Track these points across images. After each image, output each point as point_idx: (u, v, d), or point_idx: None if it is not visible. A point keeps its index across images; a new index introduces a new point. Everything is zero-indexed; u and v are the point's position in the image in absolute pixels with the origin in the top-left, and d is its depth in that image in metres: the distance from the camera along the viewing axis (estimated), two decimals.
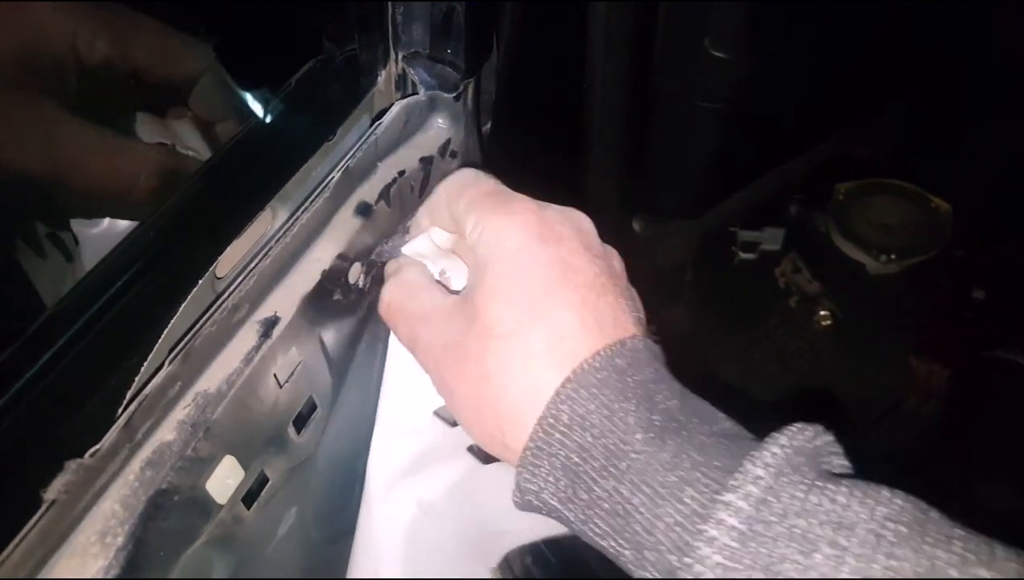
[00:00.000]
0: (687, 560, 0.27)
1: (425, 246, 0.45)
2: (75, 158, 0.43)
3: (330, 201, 0.44)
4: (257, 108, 0.50)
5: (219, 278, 0.39)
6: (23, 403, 0.33)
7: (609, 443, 0.30)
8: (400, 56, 0.48)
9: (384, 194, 0.47)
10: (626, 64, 0.69)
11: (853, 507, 0.26)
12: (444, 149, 0.51)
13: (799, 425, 0.29)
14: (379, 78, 0.49)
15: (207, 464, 0.38)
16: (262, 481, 0.42)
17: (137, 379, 0.36)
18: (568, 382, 0.32)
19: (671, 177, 1.01)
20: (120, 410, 0.35)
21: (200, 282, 0.39)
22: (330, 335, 0.45)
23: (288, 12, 0.50)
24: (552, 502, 0.31)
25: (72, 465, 0.32)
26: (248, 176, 0.42)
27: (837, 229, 1.16)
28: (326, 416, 0.45)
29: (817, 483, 0.27)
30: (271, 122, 0.46)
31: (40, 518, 0.31)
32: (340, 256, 0.44)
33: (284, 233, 0.42)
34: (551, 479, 0.31)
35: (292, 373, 0.42)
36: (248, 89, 0.49)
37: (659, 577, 0.28)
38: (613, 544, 0.29)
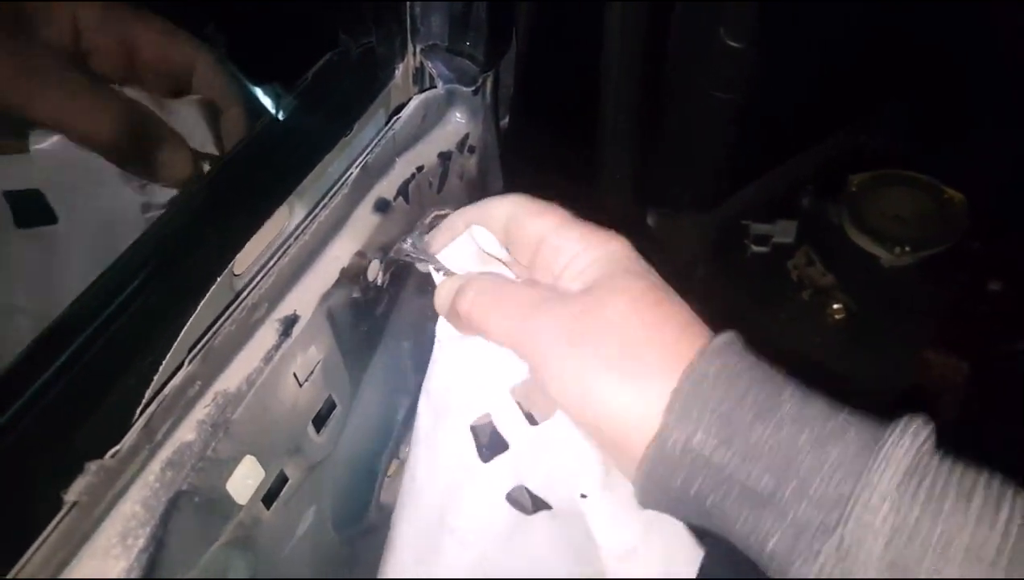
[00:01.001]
0: (858, 492, 0.29)
1: (466, 248, 0.43)
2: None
3: (348, 198, 0.43)
4: (272, 104, 0.49)
5: (237, 276, 0.39)
6: (41, 405, 0.33)
7: (761, 393, 0.32)
8: (418, 49, 0.47)
9: (402, 190, 0.46)
10: (641, 57, 0.68)
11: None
12: (462, 144, 0.51)
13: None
14: (396, 72, 0.49)
15: (227, 464, 0.37)
16: (282, 481, 0.41)
17: (156, 379, 0.35)
18: (712, 343, 0.34)
19: (684, 171, 1.00)
20: (139, 411, 0.34)
21: (218, 280, 0.39)
22: (349, 333, 0.44)
23: (303, 5, 0.49)
24: (702, 448, 0.31)
25: (93, 466, 0.32)
26: (264, 173, 0.42)
27: (850, 221, 1.14)
28: (345, 415, 0.45)
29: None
30: (286, 118, 0.45)
31: (61, 520, 0.31)
32: (359, 253, 0.43)
33: (302, 230, 0.41)
34: (703, 424, 0.31)
35: (311, 372, 0.41)
36: (263, 84, 0.48)
37: (814, 513, 0.29)
38: (770, 482, 0.30)
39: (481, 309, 0.38)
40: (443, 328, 0.43)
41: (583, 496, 0.40)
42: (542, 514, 0.43)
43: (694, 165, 0.99)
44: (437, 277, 0.43)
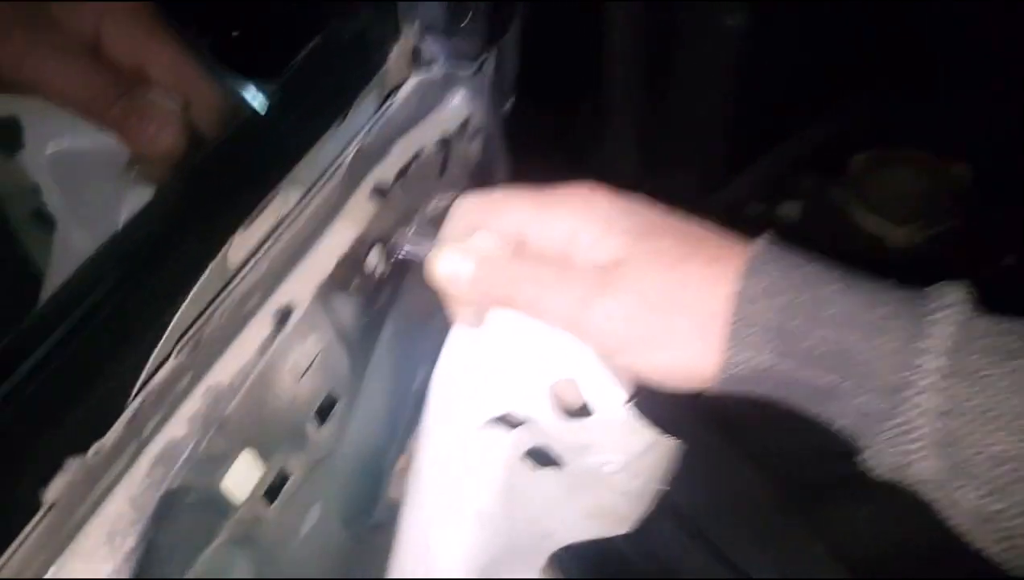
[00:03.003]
0: (908, 377, 0.30)
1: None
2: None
3: (343, 184, 0.40)
4: (261, 96, 0.47)
5: (229, 265, 0.36)
6: (19, 397, 0.30)
7: (808, 299, 0.32)
8: (413, 29, 0.44)
9: (400, 176, 0.43)
10: (644, 35, 0.65)
11: None
12: (463, 128, 0.48)
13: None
14: (390, 54, 0.46)
15: (222, 461, 0.34)
16: (283, 477, 0.39)
17: (144, 372, 0.33)
18: (753, 259, 0.33)
19: (687, 152, 0.96)
20: (126, 404, 0.32)
21: (209, 268, 0.36)
22: (349, 324, 0.41)
23: None
24: (766, 363, 0.33)
25: (73, 464, 0.29)
26: (256, 159, 0.40)
27: (855, 201, 1.10)
28: (348, 410, 0.42)
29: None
30: (274, 105, 0.43)
31: (40, 521, 0.29)
32: (356, 241, 0.40)
33: (296, 218, 0.38)
34: (763, 342, 0.32)
35: (310, 365, 0.38)
36: (251, 71, 0.45)
37: (874, 400, 0.31)
38: (831, 380, 0.32)
39: (531, 294, 0.36)
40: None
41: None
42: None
43: (696, 146, 0.95)
44: None
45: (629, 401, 0.39)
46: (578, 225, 0.36)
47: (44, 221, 0.51)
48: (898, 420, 0.30)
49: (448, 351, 0.41)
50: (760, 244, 0.34)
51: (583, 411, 0.40)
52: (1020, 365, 0.29)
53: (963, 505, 0.30)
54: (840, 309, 0.32)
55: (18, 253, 0.49)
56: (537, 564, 0.50)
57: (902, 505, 0.33)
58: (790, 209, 1.10)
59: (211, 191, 0.38)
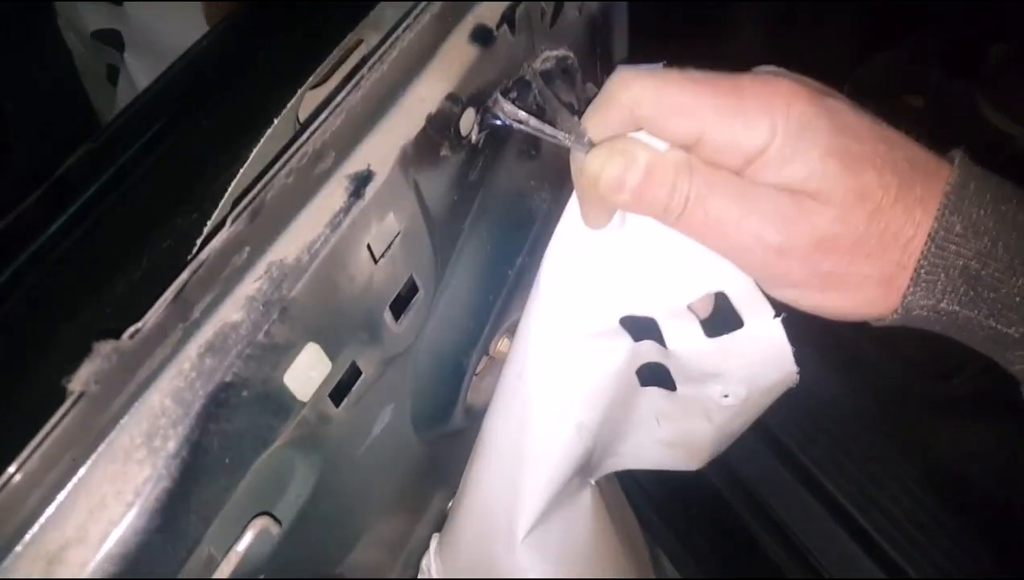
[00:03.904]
0: None
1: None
2: None
3: (437, 22, 0.32)
4: None
5: (299, 119, 0.29)
6: (45, 264, 0.24)
7: (1009, 242, 0.30)
8: None
9: (508, 17, 0.35)
10: None
11: None
12: None
13: None
14: None
15: (285, 352, 0.29)
16: (354, 374, 0.33)
17: (198, 243, 0.27)
18: (948, 195, 0.30)
19: (812, 44, 0.85)
20: (172, 280, 0.26)
21: (276, 121, 0.29)
22: (435, 200, 0.34)
23: None
24: (951, 308, 0.30)
25: (105, 348, 0.24)
26: None
27: (986, 97, 0.96)
28: (429, 302, 0.35)
29: None
30: None
31: (67, 413, 0.23)
32: (449, 97, 0.33)
33: (379, 63, 0.31)
34: (949, 289, 0.30)
35: (389, 245, 0.32)
36: None
37: None
38: (1018, 330, 0.30)
39: (683, 200, 0.30)
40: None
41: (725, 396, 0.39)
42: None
43: (821, 38, 0.83)
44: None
45: (778, 316, 0.35)
46: (772, 135, 0.29)
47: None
48: None
49: (565, 246, 0.35)
50: (958, 174, 0.30)
51: (725, 327, 0.35)
52: None
53: None
54: None
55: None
56: (593, 476, 0.48)
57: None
58: (913, 102, 0.99)
59: (279, 28, 0.30)
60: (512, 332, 0.44)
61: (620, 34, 0.44)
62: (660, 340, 0.37)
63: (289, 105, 0.31)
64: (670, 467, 0.47)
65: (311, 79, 0.32)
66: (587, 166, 0.31)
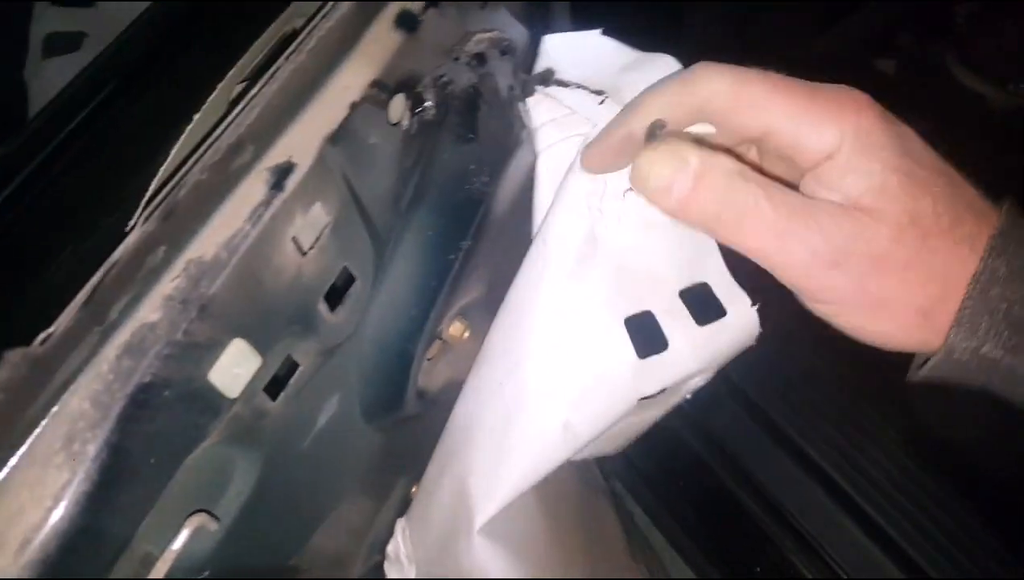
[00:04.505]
0: None
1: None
2: None
3: (359, 12, 0.31)
4: None
5: (215, 112, 0.29)
6: None
7: None
8: None
9: (433, 1, 0.34)
10: None
11: None
12: None
13: None
14: None
15: (208, 350, 0.28)
16: (290, 367, 0.33)
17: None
18: (995, 238, 0.29)
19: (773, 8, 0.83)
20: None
21: (197, 116, 0.29)
22: (368, 190, 0.34)
23: None
24: (994, 354, 0.29)
25: (14, 357, 0.23)
26: None
27: (956, 58, 0.95)
28: (368, 289, 0.35)
29: None
30: None
31: None
32: (375, 83, 0.32)
33: (299, 52, 0.30)
34: (992, 333, 0.29)
35: (318, 237, 0.31)
36: None
37: None
38: None
39: (734, 210, 0.29)
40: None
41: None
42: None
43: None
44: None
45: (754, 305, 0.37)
46: (839, 143, 0.29)
47: None
48: None
49: (565, 241, 0.36)
50: (1007, 218, 0.30)
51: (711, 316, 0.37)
52: None
53: None
54: None
55: None
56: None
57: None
58: (884, 67, 0.99)
59: (202, 20, 0.30)
60: (465, 315, 0.43)
61: (560, 8, 0.43)
62: (660, 335, 0.37)
63: (210, 99, 0.31)
64: (600, 454, 0.47)
65: (234, 71, 0.32)
66: (637, 165, 0.30)
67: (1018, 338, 0.29)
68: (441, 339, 0.43)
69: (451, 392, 0.42)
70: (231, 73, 0.31)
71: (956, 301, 0.29)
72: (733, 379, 0.81)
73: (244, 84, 0.30)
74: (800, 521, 0.76)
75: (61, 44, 0.68)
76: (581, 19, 0.45)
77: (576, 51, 0.38)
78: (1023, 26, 0.95)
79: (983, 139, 0.92)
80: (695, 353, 0.37)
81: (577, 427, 0.36)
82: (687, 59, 0.35)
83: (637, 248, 0.36)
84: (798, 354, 0.79)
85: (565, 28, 0.42)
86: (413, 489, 0.47)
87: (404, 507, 0.46)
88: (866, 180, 0.29)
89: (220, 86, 0.31)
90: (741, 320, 0.37)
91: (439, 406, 0.42)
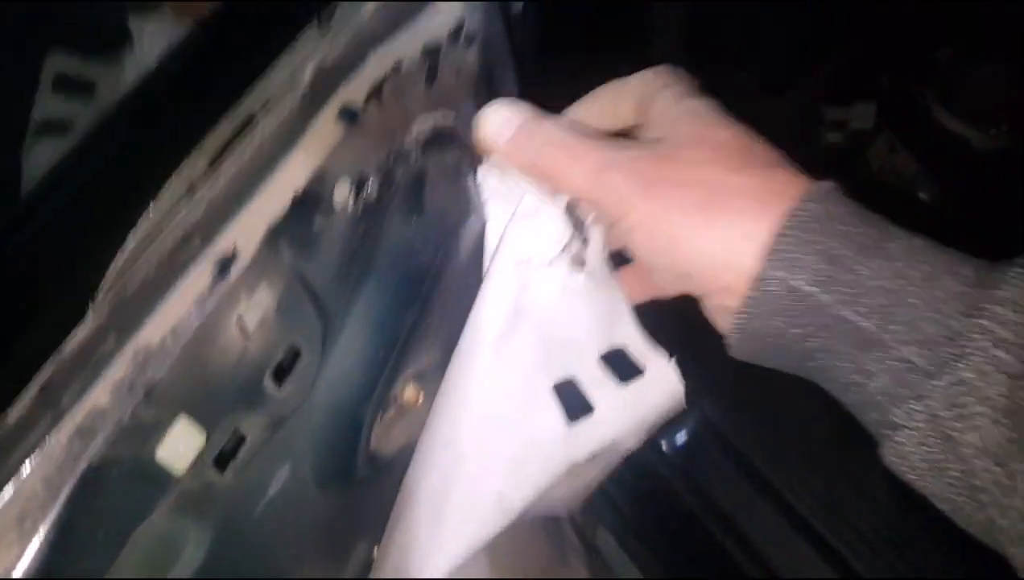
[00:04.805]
0: (976, 322, 0.26)
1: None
2: None
3: (302, 106, 0.34)
4: None
5: (161, 207, 0.31)
6: None
7: (868, 233, 0.30)
8: None
9: (375, 94, 0.36)
10: None
11: None
12: (457, 33, 0.41)
13: None
14: None
15: (154, 430, 0.30)
16: (238, 441, 0.34)
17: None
18: (814, 186, 0.31)
19: (743, 52, 0.86)
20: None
21: (152, 205, 0.31)
22: (315, 269, 0.36)
23: None
24: (805, 288, 0.29)
25: None
26: (199, 79, 0.33)
27: (938, 101, 0.97)
28: (316, 362, 0.37)
29: None
30: (230, 8, 0.36)
31: None
32: (318, 174, 0.34)
33: (244, 148, 0.33)
34: (807, 264, 0.29)
35: (262, 317, 0.33)
36: None
37: (924, 351, 0.27)
38: (876, 321, 0.28)
39: (551, 159, 0.35)
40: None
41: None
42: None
43: (755, 45, 0.84)
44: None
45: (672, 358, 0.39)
46: (651, 93, 0.36)
47: None
48: (958, 378, 0.26)
49: (492, 313, 0.39)
50: (830, 182, 0.32)
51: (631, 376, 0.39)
52: None
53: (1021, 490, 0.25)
54: (900, 247, 0.29)
55: None
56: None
57: None
58: (864, 111, 1.00)
59: (144, 119, 0.32)
60: (419, 378, 0.45)
61: (510, 87, 0.45)
62: (585, 400, 0.39)
63: (165, 188, 0.33)
64: (549, 513, 0.48)
65: (189, 159, 0.34)
66: (480, 113, 0.38)
67: (831, 272, 0.29)
68: (396, 403, 0.45)
69: (407, 456, 0.44)
70: (185, 162, 0.34)
71: (771, 232, 0.30)
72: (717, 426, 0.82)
73: (201, 171, 0.32)
74: (784, 572, 0.76)
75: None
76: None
77: None
78: (1003, 69, 0.97)
79: (969, 184, 0.94)
80: (621, 413, 0.38)
81: (511, 497, 0.38)
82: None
83: (559, 318, 0.38)
84: (785, 406, 0.79)
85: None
86: (375, 551, 0.48)
87: (366, 569, 0.48)
88: (682, 123, 0.34)
89: (174, 175, 0.34)
90: (660, 375, 0.39)
91: (395, 469, 0.44)
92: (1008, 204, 0.86)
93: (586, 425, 0.38)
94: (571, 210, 0.38)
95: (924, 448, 0.28)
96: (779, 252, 0.30)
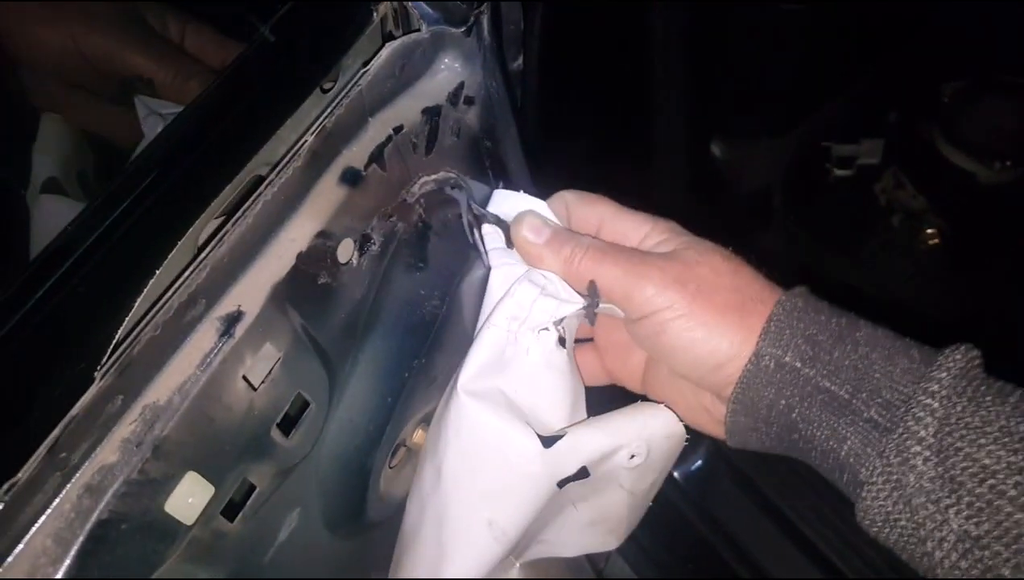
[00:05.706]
0: (921, 386, 0.32)
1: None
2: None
3: (305, 170, 0.34)
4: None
5: (169, 272, 0.31)
6: None
7: (840, 322, 0.36)
8: None
9: (376, 157, 0.37)
10: None
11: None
12: (456, 95, 0.41)
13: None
14: (374, 14, 0.39)
15: (163, 484, 0.31)
16: (247, 490, 0.35)
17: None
18: (791, 290, 0.37)
19: (752, 93, 0.85)
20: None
21: (162, 266, 0.31)
22: (320, 324, 0.36)
23: None
24: (794, 363, 0.35)
25: None
26: (207, 143, 0.34)
27: (943, 136, 0.95)
28: (323, 412, 0.37)
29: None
30: (243, 73, 0.37)
31: None
32: (321, 234, 0.35)
33: (248, 212, 0.33)
34: (793, 345, 0.35)
35: (269, 372, 0.34)
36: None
37: (884, 412, 0.33)
38: (848, 390, 0.34)
39: (594, 258, 0.39)
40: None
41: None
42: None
43: (764, 86, 0.84)
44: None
45: None
46: (651, 228, 0.40)
47: None
48: (904, 430, 0.31)
49: (472, 358, 0.39)
50: (803, 286, 0.38)
51: None
52: (1020, 397, 0.31)
53: (952, 525, 0.30)
54: (867, 335, 0.35)
55: None
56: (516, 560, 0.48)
57: None
58: (872, 147, 0.99)
59: (155, 185, 0.33)
60: (427, 422, 0.45)
61: (511, 144, 0.45)
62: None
63: (174, 251, 0.33)
64: (593, 550, 0.47)
65: (199, 221, 0.34)
66: (517, 218, 0.42)
67: (813, 352, 0.35)
68: (405, 447, 0.45)
69: None
70: (195, 224, 0.34)
71: (767, 316, 0.36)
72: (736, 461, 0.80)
73: (211, 230, 0.33)
74: None
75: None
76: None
77: (520, 204, 0.42)
78: (1008, 103, 0.95)
79: (976, 217, 0.92)
80: (602, 427, 0.38)
81: (501, 523, 0.38)
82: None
83: (533, 383, 0.38)
84: None
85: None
86: None
87: None
88: (675, 241, 0.39)
89: (184, 237, 0.34)
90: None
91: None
92: (1013, 237, 0.84)
93: (561, 445, 0.38)
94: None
95: (879, 502, 0.32)
96: (771, 333, 0.36)
